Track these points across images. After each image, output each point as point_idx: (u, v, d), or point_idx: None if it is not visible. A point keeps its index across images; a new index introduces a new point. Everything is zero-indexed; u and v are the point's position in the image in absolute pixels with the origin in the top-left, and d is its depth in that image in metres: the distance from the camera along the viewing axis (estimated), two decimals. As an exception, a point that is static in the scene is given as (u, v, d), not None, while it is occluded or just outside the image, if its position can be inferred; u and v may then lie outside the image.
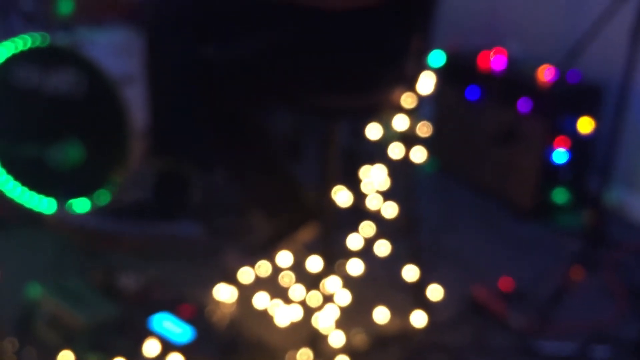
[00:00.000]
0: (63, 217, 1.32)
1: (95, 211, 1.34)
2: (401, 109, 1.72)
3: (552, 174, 2.76)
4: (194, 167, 1.44)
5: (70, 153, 2.40)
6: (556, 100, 2.71)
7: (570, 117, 2.73)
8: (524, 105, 2.76)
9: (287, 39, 1.54)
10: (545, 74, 2.78)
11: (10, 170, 2.43)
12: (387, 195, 2.00)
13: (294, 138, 2.94)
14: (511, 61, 2.99)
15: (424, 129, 1.81)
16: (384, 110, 1.72)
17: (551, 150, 2.72)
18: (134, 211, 1.34)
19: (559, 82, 2.73)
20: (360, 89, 1.63)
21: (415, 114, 1.72)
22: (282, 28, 1.56)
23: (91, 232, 1.29)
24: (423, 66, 1.71)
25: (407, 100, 1.69)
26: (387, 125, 1.82)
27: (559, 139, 2.72)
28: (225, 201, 1.99)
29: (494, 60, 2.98)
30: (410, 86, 1.70)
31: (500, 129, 2.81)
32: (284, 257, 1.90)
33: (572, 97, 2.75)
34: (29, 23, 2.52)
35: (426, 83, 1.72)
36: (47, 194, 2.44)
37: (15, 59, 2.35)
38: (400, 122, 1.75)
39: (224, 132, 1.60)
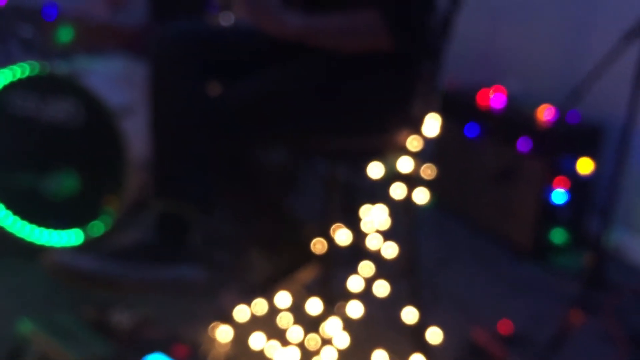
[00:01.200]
0: (58, 258, 1.27)
1: (93, 253, 1.30)
2: (406, 151, 1.70)
3: (551, 214, 2.74)
4: (195, 208, 1.41)
5: (65, 183, 2.36)
6: (556, 140, 2.71)
7: (570, 157, 2.72)
8: (523, 144, 2.75)
9: (294, 79, 1.52)
10: (545, 113, 2.78)
11: (3, 200, 2.39)
12: (387, 235, 1.97)
13: (292, 170, 2.92)
14: (511, 99, 2.98)
15: (428, 172, 1.78)
16: (388, 152, 1.70)
17: (550, 190, 2.71)
18: (134, 253, 1.31)
19: (559, 122, 2.73)
20: (365, 131, 1.61)
21: (419, 156, 1.70)
22: (290, 68, 1.54)
23: (88, 275, 1.25)
24: (430, 108, 1.69)
25: (413, 143, 1.67)
26: (389, 165, 1.80)
27: (559, 179, 2.71)
28: (225, 239, 1.95)
29: (494, 98, 2.98)
30: (416, 128, 1.68)
31: (500, 167, 2.79)
32: (283, 298, 1.86)
33: (572, 138, 2.74)
34: (28, 50, 2.50)
35: (432, 125, 1.71)
36: (40, 225, 2.40)
37: (13, 87, 2.33)
38: (405, 164, 1.72)
39: (225, 172, 1.57)
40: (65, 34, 2.51)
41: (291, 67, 1.53)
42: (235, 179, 1.59)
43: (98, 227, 2.37)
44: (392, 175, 1.88)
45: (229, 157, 1.56)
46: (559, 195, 2.73)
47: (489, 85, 3.10)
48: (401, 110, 1.63)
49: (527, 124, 2.76)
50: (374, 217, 1.98)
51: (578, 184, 2.74)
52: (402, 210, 1.92)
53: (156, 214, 1.38)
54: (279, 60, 1.56)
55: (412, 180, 1.81)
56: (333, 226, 1.74)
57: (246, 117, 1.47)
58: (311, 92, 1.52)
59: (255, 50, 1.62)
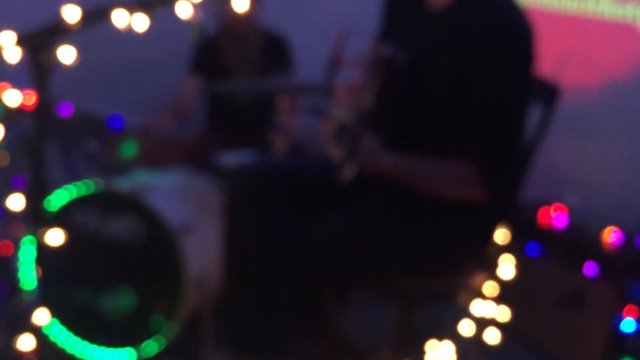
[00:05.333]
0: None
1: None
2: (480, 295, 1.63)
3: (620, 344, 2.60)
4: (266, 357, 1.36)
5: (121, 302, 2.33)
6: (624, 266, 2.60)
7: (639, 284, 2.61)
8: (590, 268, 2.65)
9: (373, 222, 1.49)
10: (610, 236, 2.69)
11: (58, 315, 2.36)
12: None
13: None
14: (573, 219, 2.90)
15: (504, 315, 1.71)
16: (462, 295, 1.63)
17: (619, 318, 2.59)
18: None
19: (627, 246, 2.63)
20: (439, 274, 1.56)
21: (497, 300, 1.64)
22: (369, 210, 1.51)
23: None
24: (506, 250, 1.64)
25: (489, 288, 1.60)
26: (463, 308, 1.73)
27: (628, 307, 2.59)
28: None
29: (555, 217, 2.90)
30: (491, 271, 1.62)
31: (565, 291, 2.69)
32: None
33: (640, 264, 2.63)
34: (92, 165, 2.53)
35: (507, 268, 1.64)
36: (94, 342, 2.36)
37: (76, 204, 2.34)
38: (479, 308, 1.65)
39: (297, 316, 1.52)
40: (129, 150, 2.53)
41: (370, 208, 1.50)
42: (307, 325, 1.53)
43: (151, 347, 2.32)
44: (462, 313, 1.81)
45: (303, 300, 1.51)
46: (628, 324, 2.60)
47: (549, 201, 3.02)
48: (478, 253, 1.58)
49: (593, 247, 2.67)
50: (440, 354, 1.90)
51: (648, 313, 2.61)
52: (470, 347, 1.83)
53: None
54: (355, 197, 1.54)
55: (484, 321, 1.74)
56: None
57: (327, 262, 1.43)
58: (389, 235, 1.49)
59: (329, 186, 1.60)
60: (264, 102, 2.91)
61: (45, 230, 1.71)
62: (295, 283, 1.45)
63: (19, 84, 1.43)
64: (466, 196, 1.47)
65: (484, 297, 1.63)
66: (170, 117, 2.88)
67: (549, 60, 3.14)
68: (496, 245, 1.63)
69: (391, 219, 1.50)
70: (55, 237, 1.55)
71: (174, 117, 2.90)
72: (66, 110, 2.66)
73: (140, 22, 1.25)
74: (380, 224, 1.49)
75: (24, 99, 1.50)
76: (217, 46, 2.98)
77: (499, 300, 1.66)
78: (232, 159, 2.66)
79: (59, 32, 1.18)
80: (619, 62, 3.03)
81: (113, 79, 2.62)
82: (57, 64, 1.22)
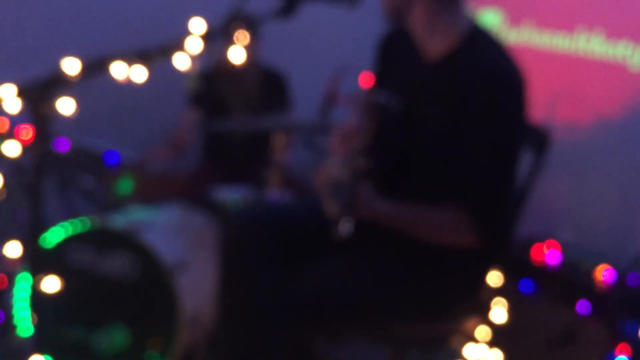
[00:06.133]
0: None
1: None
2: (473, 339, 1.65)
3: (613, 382, 2.61)
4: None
5: (115, 339, 2.33)
6: (616, 305, 2.62)
7: (632, 322, 2.62)
8: (582, 306, 2.67)
9: (368, 268, 1.51)
10: (603, 274, 2.71)
11: (51, 352, 2.36)
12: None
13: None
14: (566, 256, 2.92)
15: (496, 358, 1.72)
16: (454, 340, 1.64)
17: (612, 357, 2.59)
18: None
19: (619, 284, 2.65)
20: (432, 319, 1.57)
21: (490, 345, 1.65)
22: (363, 256, 1.53)
23: None
24: (498, 292, 1.65)
25: (481, 333, 1.62)
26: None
27: (621, 345, 2.60)
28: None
29: (549, 254, 2.92)
30: (484, 315, 1.64)
31: (558, 329, 2.69)
32: None
33: (633, 302, 2.65)
34: (88, 200, 2.54)
35: (500, 312, 1.66)
36: (87, 380, 2.35)
37: (72, 241, 2.35)
38: (471, 352, 1.66)
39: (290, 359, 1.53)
40: (125, 186, 2.55)
41: (362, 255, 1.52)
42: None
43: (145, 385, 2.31)
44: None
45: (295, 343, 1.52)
46: (621, 362, 2.60)
47: (541, 237, 3.04)
48: (471, 297, 1.60)
49: (586, 285, 2.68)
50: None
51: (641, 351, 2.62)
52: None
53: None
54: (348, 243, 1.55)
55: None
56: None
57: (319, 309, 1.45)
58: (382, 281, 1.50)
59: (324, 232, 1.62)
60: (259, 138, 2.93)
61: (41, 267, 1.71)
62: (287, 327, 1.46)
63: (17, 118, 1.44)
64: (459, 243, 1.49)
65: (476, 341, 1.64)
66: (167, 151, 2.90)
67: (542, 99, 3.19)
68: (489, 288, 1.65)
69: (384, 265, 1.52)
70: (50, 276, 1.56)
71: (171, 150, 2.92)
72: (63, 146, 2.68)
73: (138, 74, 1.28)
74: (373, 271, 1.51)
75: (22, 133, 1.52)
76: (216, 81, 3.01)
77: (491, 344, 1.67)
78: (227, 193, 2.68)
79: (59, 84, 1.21)
80: (610, 100, 3.07)
81: (110, 113, 2.65)
82: (57, 114, 1.24)
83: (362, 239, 1.53)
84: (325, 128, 2.58)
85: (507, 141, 1.49)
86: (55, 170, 2.58)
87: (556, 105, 3.16)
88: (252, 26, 2.43)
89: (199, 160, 3.13)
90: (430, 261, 1.51)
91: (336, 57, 2.95)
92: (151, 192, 2.67)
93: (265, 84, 3.04)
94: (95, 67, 1.24)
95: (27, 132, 1.47)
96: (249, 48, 2.91)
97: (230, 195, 2.67)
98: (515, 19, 3.40)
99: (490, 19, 3.46)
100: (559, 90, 3.17)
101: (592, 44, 3.10)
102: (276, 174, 2.65)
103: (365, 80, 1.91)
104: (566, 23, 3.18)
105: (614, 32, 3.02)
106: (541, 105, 3.29)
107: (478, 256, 1.54)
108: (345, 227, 1.36)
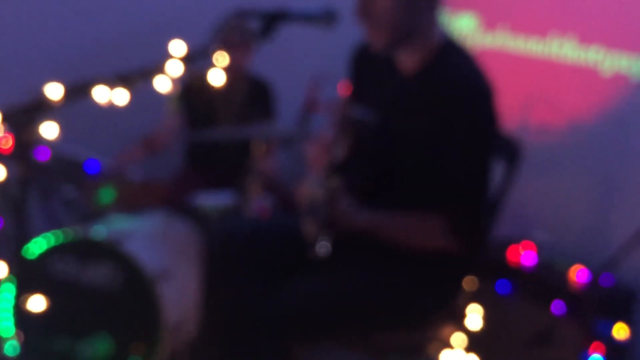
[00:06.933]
0: None
1: None
2: (448, 345, 1.70)
3: (588, 380, 2.68)
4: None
5: (99, 348, 2.36)
6: (590, 304, 2.69)
7: (605, 322, 2.69)
8: (557, 307, 2.73)
9: (345, 277, 1.55)
10: (577, 274, 2.77)
11: (36, 362, 2.38)
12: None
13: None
14: (541, 257, 2.98)
15: (472, 364, 1.77)
16: (431, 346, 1.70)
17: (586, 356, 2.66)
18: None
19: (593, 284, 2.71)
20: (409, 327, 1.62)
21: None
22: (342, 268, 1.57)
23: None
24: (474, 298, 1.70)
25: (457, 340, 1.67)
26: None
27: (595, 344, 2.67)
28: None
29: (524, 255, 2.98)
30: (459, 322, 1.69)
31: (533, 329, 2.76)
32: None
33: (606, 302, 2.72)
34: (70, 210, 2.56)
35: (474, 319, 1.71)
36: (72, 389, 2.37)
37: (54, 251, 2.37)
38: (448, 357, 1.72)
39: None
40: (106, 196, 2.57)
41: (341, 266, 1.56)
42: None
43: (129, 393, 2.34)
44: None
45: (277, 351, 1.56)
46: (595, 361, 2.67)
47: (517, 238, 3.10)
48: (447, 304, 1.65)
49: (560, 285, 2.75)
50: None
51: (614, 350, 2.69)
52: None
53: None
54: (338, 264, 1.59)
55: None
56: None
57: (301, 320, 1.49)
58: (362, 292, 1.55)
59: (301, 248, 1.66)
60: (241, 146, 2.96)
61: (24, 278, 1.72)
62: (270, 337, 1.50)
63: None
64: (437, 247, 1.53)
65: (452, 347, 1.69)
66: (139, 150, 2.90)
67: (516, 102, 3.25)
68: (465, 292, 1.69)
69: (363, 274, 1.56)
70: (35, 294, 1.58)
71: (143, 149, 2.92)
72: (43, 155, 2.69)
73: (120, 97, 1.31)
74: (352, 281, 1.55)
75: (1, 142, 1.54)
76: (201, 87, 3.02)
77: (468, 349, 1.72)
78: (209, 200, 2.70)
79: (41, 109, 1.23)
80: (583, 104, 3.14)
81: (91, 121, 2.66)
82: (40, 139, 1.27)
83: (340, 250, 1.58)
84: (304, 136, 2.61)
85: (481, 151, 1.54)
86: (35, 180, 2.59)
87: (530, 109, 3.23)
88: (244, 37, 2.45)
89: (181, 166, 3.15)
90: (409, 269, 1.56)
91: (317, 66, 2.99)
92: (133, 201, 2.69)
93: (251, 93, 3.07)
94: (78, 92, 1.27)
95: (7, 140, 1.48)
96: (240, 58, 2.93)
97: (213, 201, 2.70)
98: (490, 23, 3.46)
99: (466, 23, 3.52)
100: (532, 94, 3.23)
101: (565, 49, 3.16)
102: (257, 182, 2.68)
103: (344, 88, 1.95)
104: (540, 28, 3.24)
105: (586, 37, 3.09)
106: (515, 109, 3.35)
107: (455, 262, 1.59)
108: (322, 248, 1.40)
